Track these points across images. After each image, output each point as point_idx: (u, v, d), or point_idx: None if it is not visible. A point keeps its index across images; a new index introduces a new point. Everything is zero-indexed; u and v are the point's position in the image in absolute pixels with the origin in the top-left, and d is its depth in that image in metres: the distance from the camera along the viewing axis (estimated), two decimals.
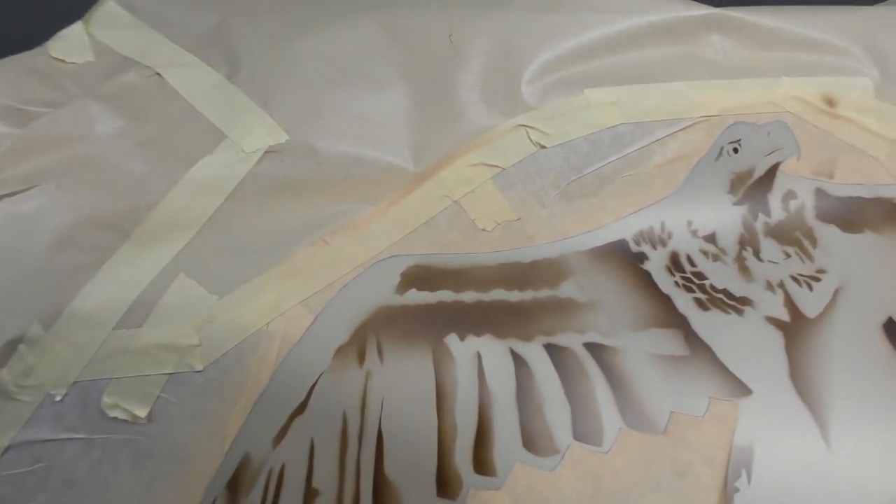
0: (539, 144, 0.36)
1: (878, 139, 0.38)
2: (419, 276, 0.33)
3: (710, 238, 0.35)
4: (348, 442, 0.31)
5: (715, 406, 0.31)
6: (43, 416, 0.31)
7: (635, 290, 0.34)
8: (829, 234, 0.36)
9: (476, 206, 0.35)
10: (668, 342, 0.33)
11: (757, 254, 0.35)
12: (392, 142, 0.36)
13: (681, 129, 0.37)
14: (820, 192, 0.37)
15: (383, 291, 0.33)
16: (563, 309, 0.33)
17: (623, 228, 0.35)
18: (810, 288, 0.34)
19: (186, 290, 0.32)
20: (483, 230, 0.35)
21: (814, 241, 0.36)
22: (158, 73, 0.39)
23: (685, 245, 0.35)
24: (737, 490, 0.30)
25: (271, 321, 0.32)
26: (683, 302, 0.34)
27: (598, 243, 0.35)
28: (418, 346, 0.32)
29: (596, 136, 0.36)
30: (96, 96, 0.38)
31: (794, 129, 0.38)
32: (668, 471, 0.30)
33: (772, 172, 0.37)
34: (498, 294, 0.34)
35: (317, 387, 0.31)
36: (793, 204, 0.36)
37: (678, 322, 0.33)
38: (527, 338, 0.33)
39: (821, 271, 0.35)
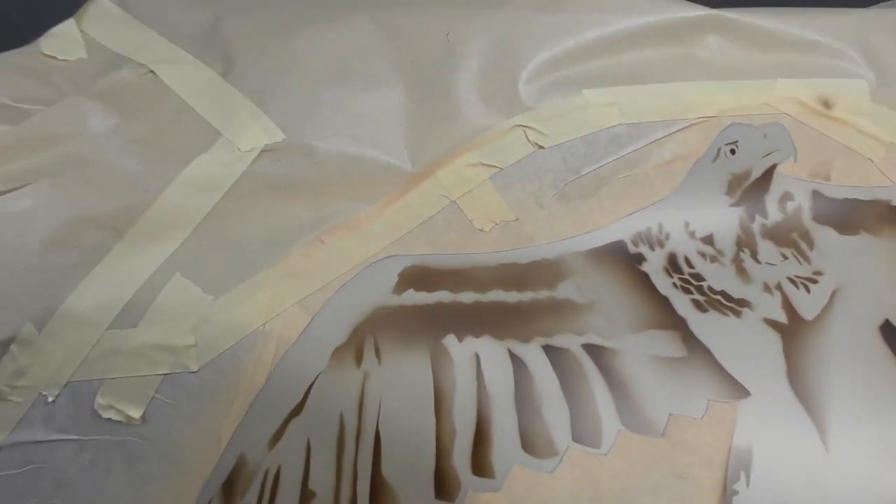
0: (537, 145, 0.36)
1: (874, 141, 0.38)
2: (417, 277, 0.33)
3: (708, 239, 0.35)
4: (345, 443, 0.30)
5: (713, 408, 0.31)
6: (35, 417, 0.31)
7: (633, 291, 0.34)
8: (825, 236, 0.36)
9: (474, 207, 0.35)
10: (666, 344, 0.32)
11: (754, 255, 0.35)
12: (389, 141, 0.36)
13: (678, 130, 0.37)
14: (816, 194, 0.37)
15: (381, 292, 0.33)
16: (561, 310, 0.33)
17: (621, 229, 0.35)
18: (807, 290, 0.34)
19: (182, 290, 0.32)
20: (481, 230, 0.35)
21: (810, 243, 0.36)
22: (152, 71, 0.39)
23: (683, 246, 0.35)
24: (736, 493, 0.30)
25: (268, 321, 0.32)
26: (682, 303, 0.34)
27: (597, 244, 0.35)
28: (416, 346, 0.32)
29: (593, 137, 0.36)
30: (89, 94, 0.38)
31: (790, 130, 0.38)
32: (667, 473, 0.30)
33: (769, 174, 0.37)
34: (496, 295, 0.33)
35: (314, 388, 0.31)
36: (790, 206, 0.36)
37: (676, 323, 0.33)
38: (525, 339, 0.32)
39: (818, 273, 0.35)
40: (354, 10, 0.40)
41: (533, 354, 0.32)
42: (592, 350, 0.32)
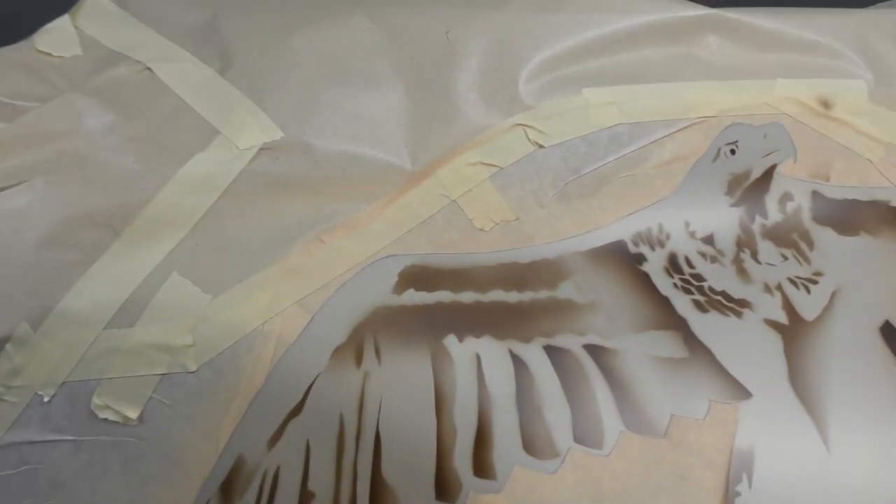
0: (537, 144, 0.36)
1: (873, 142, 0.38)
2: (417, 276, 0.33)
3: (708, 240, 0.35)
4: (345, 444, 0.30)
5: (715, 409, 0.31)
6: (30, 417, 0.30)
7: (634, 291, 0.34)
8: (825, 237, 0.36)
9: (474, 206, 0.35)
10: (667, 344, 0.32)
11: (754, 256, 0.35)
12: (389, 140, 0.36)
13: (678, 130, 0.37)
14: (816, 195, 0.37)
15: (381, 291, 0.33)
16: (562, 310, 0.33)
17: (621, 229, 0.35)
18: (808, 290, 0.34)
19: (180, 289, 0.32)
20: (481, 230, 0.34)
21: (810, 244, 0.36)
22: (149, 68, 0.38)
23: (683, 246, 0.35)
24: (738, 494, 0.29)
25: (267, 321, 0.32)
26: (682, 304, 0.34)
27: (597, 244, 0.35)
28: (417, 346, 0.32)
29: (594, 137, 0.36)
30: (85, 91, 0.37)
31: (790, 130, 0.38)
32: (669, 474, 0.30)
33: (769, 174, 0.37)
34: (497, 295, 0.33)
35: (313, 388, 0.31)
36: (789, 206, 0.36)
37: (677, 324, 0.33)
38: (526, 339, 0.32)
39: (818, 274, 0.35)
40: (353, 9, 0.40)
41: (534, 355, 0.32)
42: (593, 350, 0.32)
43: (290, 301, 0.32)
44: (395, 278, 0.33)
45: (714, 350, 0.32)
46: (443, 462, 0.30)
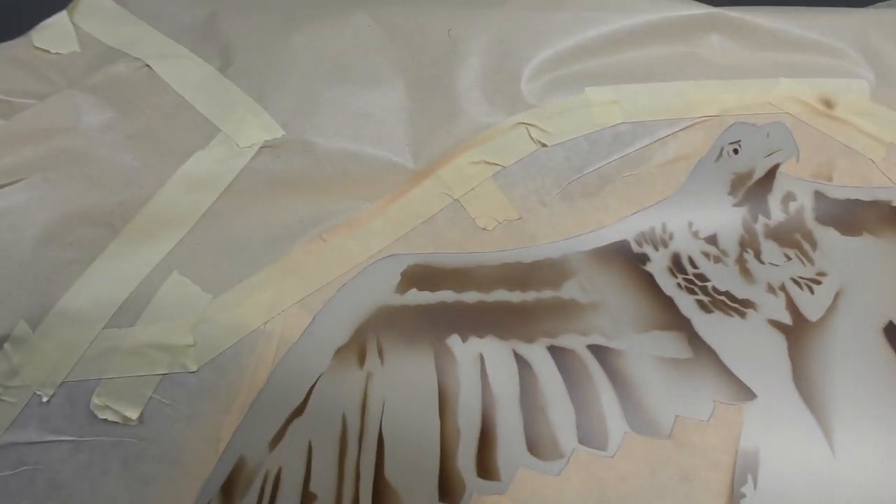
0: (540, 143, 0.36)
1: (875, 142, 0.38)
2: (419, 276, 0.33)
3: (712, 239, 0.35)
4: (348, 445, 0.30)
5: (719, 410, 0.31)
6: (29, 417, 0.30)
7: (638, 291, 0.34)
8: (828, 237, 0.36)
9: (476, 205, 0.35)
10: (671, 345, 0.32)
11: (758, 256, 0.35)
12: (391, 139, 0.36)
13: (681, 129, 0.37)
14: (819, 195, 0.37)
15: (383, 291, 0.32)
16: (565, 310, 0.33)
17: (625, 229, 0.35)
18: (811, 291, 0.34)
19: (180, 288, 0.32)
20: (484, 229, 0.34)
21: (813, 244, 0.36)
22: (148, 65, 0.38)
23: (687, 246, 0.35)
24: (743, 496, 0.29)
25: (269, 321, 0.31)
26: (686, 304, 0.33)
27: (600, 244, 0.34)
28: (420, 347, 0.31)
29: (597, 136, 0.36)
30: (83, 87, 0.37)
31: (792, 130, 0.37)
32: (674, 475, 0.30)
33: (771, 174, 0.37)
34: (500, 294, 0.33)
35: (316, 388, 0.30)
36: (792, 206, 0.36)
37: (681, 324, 0.33)
38: (530, 339, 0.32)
39: (821, 274, 0.35)
40: (354, 7, 0.39)
41: (538, 355, 0.32)
42: (597, 351, 0.32)
43: (291, 300, 0.32)
44: (398, 278, 0.33)
45: (718, 350, 0.32)
46: (446, 463, 0.30)
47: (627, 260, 0.34)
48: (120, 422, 0.30)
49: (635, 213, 0.35)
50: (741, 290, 0.34)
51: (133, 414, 0.30)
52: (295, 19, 0.39)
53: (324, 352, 0.31)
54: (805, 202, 0.37)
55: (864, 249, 0.36)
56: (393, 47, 0.38)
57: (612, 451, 0.30)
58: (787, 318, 0.33)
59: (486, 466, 0.30)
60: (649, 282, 0.34)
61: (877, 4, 0.45)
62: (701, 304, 0.33)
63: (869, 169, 0.38)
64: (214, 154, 0.35)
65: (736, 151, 0.36)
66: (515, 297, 0.33)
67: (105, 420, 0.30)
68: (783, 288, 0.34)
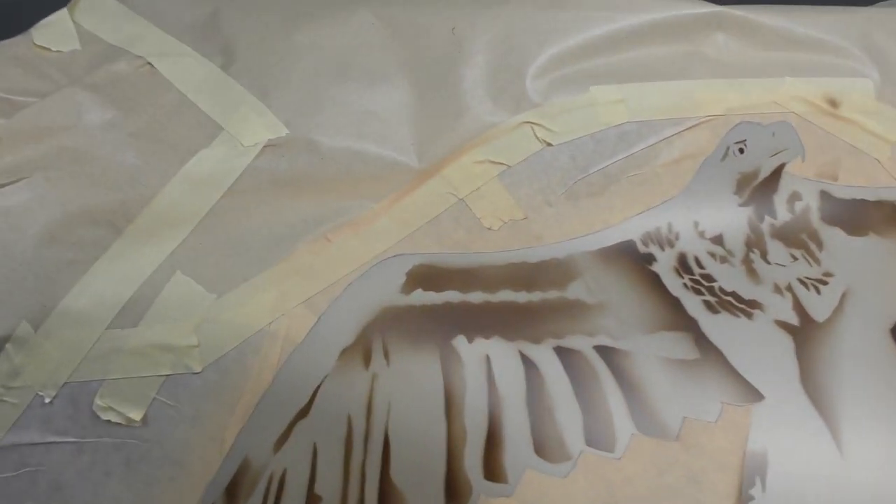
0: (545, 142, 0.35)
1: (880, 141, 0.38)
2: (425, 276, 0.33)
3: (718, 239, 0.35)
4: (353, 446, 0.30)
5: (727, 411, 0.31)
6: (31, 418, 0.30)
7: (644, 291, 0.33)
8: (834, 237, 0.36)
9: (482, 205, 0.34)
10: (678, 345, 0.32)
11: (764, 256, 0.35)
12: (395, 137, 0.36)
13: (686, 129, 0.36)
14: (824, 195, 0.37)
15: (388, 291, 0.32)
16: (571, 310, 0.33)
17: (630, 229, 0.35)
18: (818, 291, 0.34)
19: (184, 289, 0.31)
20: (489, 229, 0.34)
21: (819, 244, 0.35)
22: (150, 63, 0.38)
23: (693, 246, 0.35)
24: (752, 498, 0.29)
25: (273, 321, 0.31)
26: (693, 304, 0.33)
27: (606, 244, 0.34)
28: (425, 347, 0.31)
29: (602, 135, 0.36)
30: (84, 85, 0.37)
31: (798, 129, 0.37)
32: (682, 477, 0.30)
33: (777, 173, 0.37)
34: (506, 295, 0.33)
35: (321, 389, 0.30)
36: (798, 206, 0.36)
37: (688, 325, 0.33)
38: (536, 340, 0.32)
39: (827, 275, 0.35)
40: (356, 4, 0.39)
41: (544, 356, 0.32)
42: (604, 352, 0.32)
43: (296, 301, 0.32)
44: (403, 278, 0.33)
45: (725, 351, 0.32)
46: (453, 465, 0.29)
47: (633, 260, 0.34)
48: (123, 423, 0.30)
49: (641, 212, 0.35)
50: (748, 291, 0.34)
51: (136, 415, 0.30)
52: (297, 17, 0.39)
53: (329, 352, 0.31)
54: (811, 202, 0.36)
55: (870, 249, 0.36)
56: (396, 45, 0.38)
57: (619, 453, 0.30)
58: (793, 319, 0.33)
59: (492, 468, 0.29)
60: (655, 282, 0.34)
61: (881, 3, 0.45)
62: (708, 304, 0.33)
63: (874, 168, 0.38)
64: (217, 153, 0.34)
65: (741, 151, 0.36)
66: (521, 297, 0.33)
67: (108, 421, 0.30)
68: (790, 288, 0.34)
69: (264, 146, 0.35)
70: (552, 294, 0.33)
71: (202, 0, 0.40)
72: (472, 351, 0.31)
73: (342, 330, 0.31)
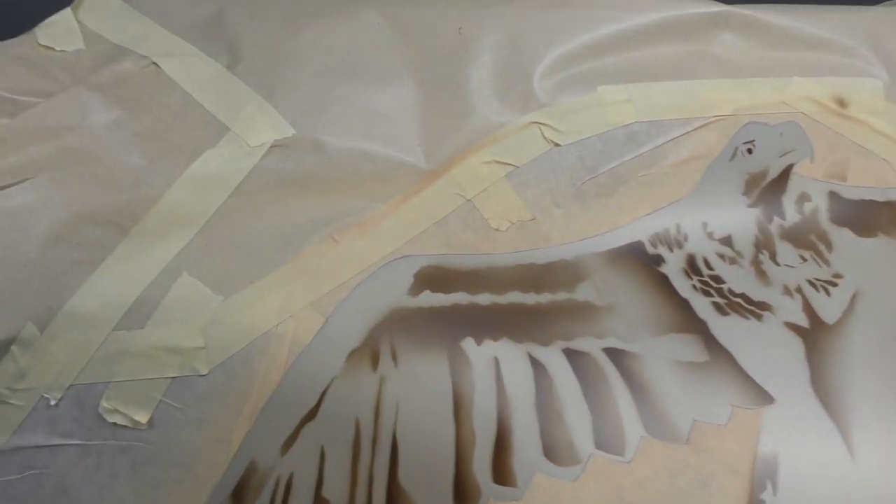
0: (553, 142, 0.35)
1: (889, 141, 0.38)
2: (433, 278, 0.32)
3: (726, 241, 0.35)
4: (361, 450, 0.29)
5: (737, 414, 0.31)
6: (36, 421, 0.30)
7: (653, 293, 0.33)
8: (843, 238, 0.35)
9: (490, 205, 0.34)
10: (687, 348, 0.32)
11: (773, 257, 0.35)
12: (402, 138, 0.35)
13: (695, 129, 0.36)
14: (833, 195, 0.36)
15: (396, 293, 0.32)
16: (580, 312, 0.32)
17: (639, 230, 0.34)
18: (828, 293, 0.34)
19: (190, 290, 0.31)
20: (497, 230, 0.34)
21: (829, 245, 0.35)
22: (155, 63, 0.37)
23: (701, 248, 0.34)
24: (762, 502, 0.29)
25: (280, 323, 0.31)
26: (702, 306, 0.33)
27: (615, 245, 0.34)
28: (434, 349, 0.31)
29: (610, 135, 0.36)
30: (89, 85, 0.37)
31: (806, 129, 0.37)
32: (692, 480, 0.29)
33: (786, 174, 0.36)
34: (514, 296, 0.33)
35: (328, 392, 0.30)
36: (807, 206, 0.36)
37: (697, 327, 0.32)
38: (545, 342, 0.32)
39: (837, 276, 0.34)
40: (362, 4, 0.39)
41: (553, 358, 0.31)
42: (614, 354, 0.32)
43: (303, 302, 0.31)
44: (411, 279, 0.32)
45: (735, 354, 0.32)
46: (461, 468, 0.29)
47: (642, 261, 0.34)
48: (129, 425, 0.30)
49: (649, 213, 0.35)
50: (757, 293, 0.34)
51: (142, 418, 0.30)
52: (303, 16, 0.39)
53: (337, 355, 0.31)
54: (820, 203, 0.36)
55: (879, 250, 0.35)
56: (403, 45, 0.38)
57: (629, 457, 0.30)
58: (803, 321, 0.33)
59: (501, 472, 0.29)
60: (664, 283, 0.34)
61: (888, 3, 0.45)
62: (717, 306, 0.33)
63: (883, 169, 0.37)
64: (224, 153, 0.34)
65: (750, 151, 0.36)
66: (530, 298, 0.33)
67: (114, 424, 0.30)
68: (799, 290, 0.34)
69: (271, 146, 0.35)
70: (561, 295, 0.33)
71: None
72: (480, 353, 0.31)
73: (350, 332, 0.31)
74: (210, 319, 0.31)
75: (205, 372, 0.30)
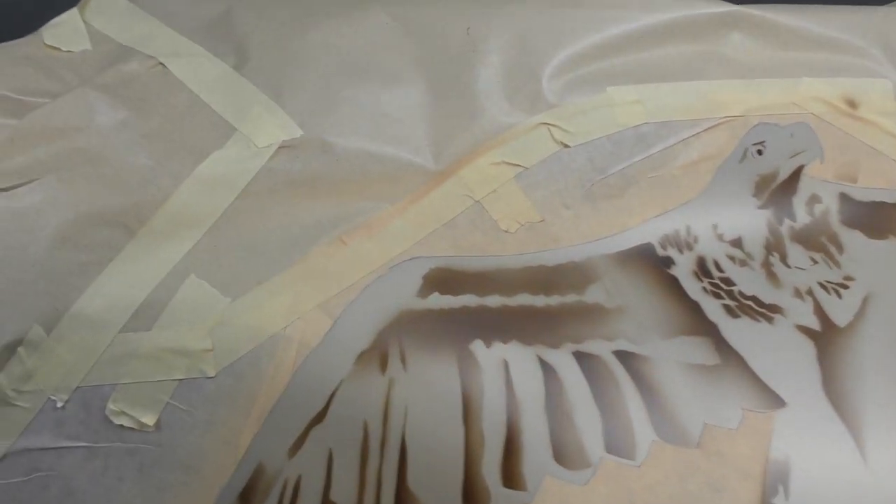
0: (562, 143, 0.35)
1: None
2: (441, 280, 0.32)
3: (737, 243, 0.34)
4: (369, 453, 0.29)
5: (748, 418, 0.30)
6: (43, 422, 0.30)
7: (663, 295, 0.33)
8: (854, 240, 0.35)
9: (498, 207, 0.34)
10: (698, 350, 0.32)
11: (784, 259, 0.34)
12: (410, 138, 0.35)
13: (704, 130, 0.36)
14: (844, 197, 0.36)
15: (405, 295, 0.32)
16: (590, 315, 0.32)
17: (649, 232, 0.34)
18: (839, 295, 0.33)
19: (198, 292, 0.31)
20: (506, 231, 0.34)
21: (840, 247, 0.35)
22: (161, 63, 0.37)
23: (712, 250, 0.34)
24: None
25: (288, 325, 0.31)
26: (712, 308, 0.33)
27: (625, 247, 0.34)
28: (443, 352, 0.31)
29: (619, 136, 0.35)
30: (96, 86, 0.37)
31: (816, 130, 0.37)
32: (703, 485, 0.29)
33: (796, 175, 0.36)
34: (523, 299, 0.32)
35: (337, 394, 0.30)
36: (817, 208, 0.36)
37: (707, 330, 0.32)
38: (554, 345, 0.31)
39: (848, 278, 0.34)
40: (370, 4, 0.39)
41: (563, 361, 0.31)
42: (624, 357, 0.31)
43: (311, 304, 0.31)
44: (420, 281, 0.32)
45: (746, 357, 0.32)
46: (471, 472, 0.29)
47: (652, 263, 0.34)
48: (136, 428, 0.30)
49: (659, 215, 0.35)
50: (768, 295, 0.33)
51: (149, 420, 0.30)
52: (311, 16, 0.39)
53: (345, 357, 0.30)
54: (830, 204, 0.36)
55: (890, 252, 0.35)
56: (411, 46, 0.38)
57: (639, 461, 0.30)
58: (815, 324, 0.33)
59: (511, 475, 0.29)
60: (674, 286, 0.33)
61: (894, 2, 0.45)
62: (727, 308, 0.33)
63: (894, 170, 0.37)
64: (231, 154, 0.34)
65: (760, 152, 0.36)
66: (539, 301, 0.33)
67: (121, 426, 0.30)
68: (810, 292, 0.34)
69: (278, 147, 0.34)
70: (571, 298, 0.33)
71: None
72: (489, 355, 0.31)
73: (358, 334, 0.31)
74: (218, 321, 0.31)
75: (212, 374, 0.30)
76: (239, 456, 0.29)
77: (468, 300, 0.32)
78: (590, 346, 0.32)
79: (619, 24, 0.38)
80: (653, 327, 0.32)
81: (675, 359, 0.31)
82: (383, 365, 0.30)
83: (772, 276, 0.34)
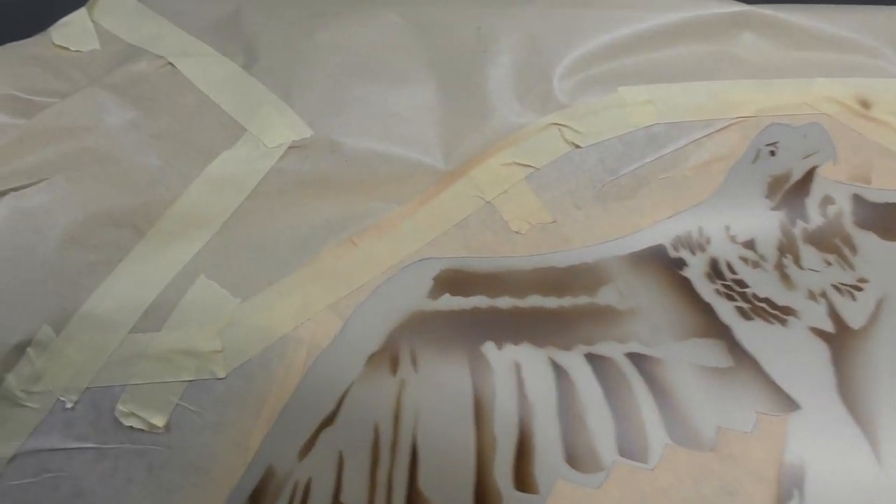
0: (573, 144, 0.35)
1: None
2: (452, 281, 0.32)
3: (749, 244, 0.34)
4: (380, 455, 0.29)
5: (763, 421, 0.30)
6: (52, 423, 0.30)
7: (676, 297, 0.33)
8: (868, 242, 0.35)
9: (509, 207, 0.34)
10: (711, 353, 0.31)
11: (797, 261, 0.34)
12: (421, 139, 0.35)
13: (716, 131, 0.36)
14: (857, 198, 0.36)
15: (416, 296, 0.32)
16: (602, 316, 0.32)
17: (661, 233, 0.34)
18: (853, 297, 0.33)
19: (207, 292, 0.31)
20: (517, 232, 0.33)
21: (853, 249, 0.35)
22: (170, 63, 0.37)
23: (724, 251, 0.34)
24: None
25: (298, 326, 0.31)
26: (726, 311, 0.32)
27: (637, 248, 0.33)
28: (454, 354, 0.31)
29: (631, 137, 0.35)
30: (105, 86, 0.36)
31: (829, 131, 0.36)
32: (717, 489, 0.29)
33: (809, 176, 0.36)
34: (535, 300, 0.32)
35: (347, 396, 0.30)
36: (831, 209, 0.35)
37: (721, 332, 0.32)
38: (566, 347, 0.31)
39: (862, 280, 0.34)
40: (380, 3, 0.39)
41: (575, 363, 0.31)
42: (636, 359, 0.31)
43: (321, 305, 0.31)
44: (431, 283, 0.32)
45: (760, 359, 0.31)
46: (482, 474, 0.29)
47: (664, 265, 0.33)
48: (145, 429, 0.29)
49: (671, 216, 0.34)
50: (781, 297, 0.33)
51: (159, 421, 0.29)
52: (320, 16, 0.39)
53: (356, 358, 0.30)
54: (844, 206, 0.36)
55: None
56: (421, 45, 0.38)
57: (652, 464, 0.29)
58: (829, 326, 0.32)
59: (523, 478, 0.29)
60: (687, 288, 0.33)
61: None
62: (741, 310, 0.33)
63: None
64: (241, 154, 0.34)
65: (773, 153, 0.36)
66: (551, 302, 0.32)
67: (130, 427, 0.30)
68: (824, 294, 0.33)
69: (288, 147, 0.34)
70: (582, 299, 0.32)
71: None
72: (501, 357, 0.31)
73: (369, 335, 0.31)
74: (227, 322, 0.30)
75: (222, 375, 0.30)
76: (249, 458, 0.29)
77: (479, 301, 0.32)
78: (602, 349, 0.31)
79: (630, 24, 0.38)
80: (665, 329, 0.32)
81: (688, 361, 0.31)
82: (394, 366, 0.30)
83: (785, 277, 0.34)
